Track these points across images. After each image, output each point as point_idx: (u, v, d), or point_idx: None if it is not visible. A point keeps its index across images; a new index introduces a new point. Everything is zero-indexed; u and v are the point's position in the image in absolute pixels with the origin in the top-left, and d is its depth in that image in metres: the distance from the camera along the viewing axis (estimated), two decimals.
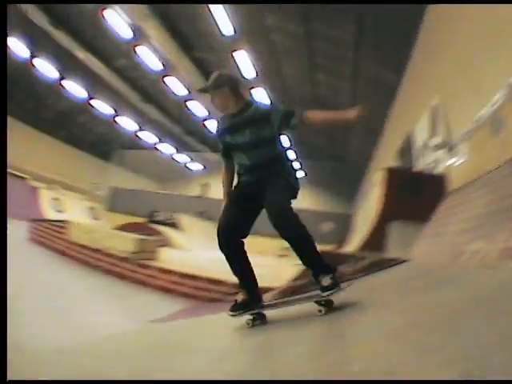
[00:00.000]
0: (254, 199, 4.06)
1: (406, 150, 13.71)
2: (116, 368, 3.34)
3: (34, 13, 19.92)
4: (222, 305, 7.47)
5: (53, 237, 13.19)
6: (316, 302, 3.52)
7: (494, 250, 3.20)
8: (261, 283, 4.41)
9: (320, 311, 3.46)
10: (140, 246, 10.62)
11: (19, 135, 32.38)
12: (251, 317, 4.19)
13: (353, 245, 11.97)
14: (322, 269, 3.67)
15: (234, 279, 7.69)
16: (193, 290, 8.56)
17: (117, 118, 34.69)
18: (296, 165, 39.70)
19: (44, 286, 8.12)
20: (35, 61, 25.34)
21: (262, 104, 4.30)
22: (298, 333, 3.31)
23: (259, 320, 4.31)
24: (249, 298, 4.38)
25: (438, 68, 11.00)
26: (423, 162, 11.23)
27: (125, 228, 19.49)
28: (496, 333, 1.86)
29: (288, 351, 2.83)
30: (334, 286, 3.46)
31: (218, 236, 4.04)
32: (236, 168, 4.28)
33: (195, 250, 19.96)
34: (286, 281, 7.56)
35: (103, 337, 5.21)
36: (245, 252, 4.39)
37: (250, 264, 4.48)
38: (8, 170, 28.99)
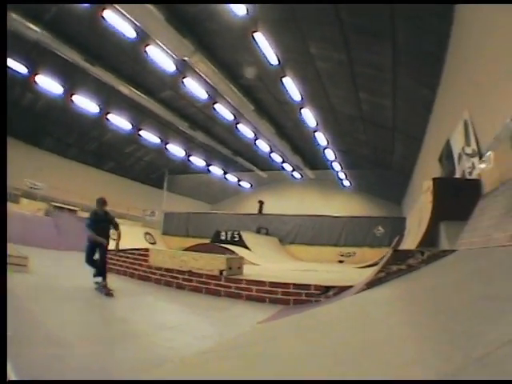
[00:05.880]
0: None
1: (446, 156, 14.93)
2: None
3: (67, 52, 21.29)
4: (311, 304, 9.02)
5: (130, 264, 14.18)
6: None
7: (506, 237, 5.07)
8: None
9: None
10: (229, 264, 11.49)
11: (62, 169, 34.39)
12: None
13: (408, 242, 13.49)
14: None
15: (318, 282, 9.56)
16: (283, 296, 9.74)
17: (167, 146, 36.91)
18: (341, 175, 41.20)
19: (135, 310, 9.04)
20: (74, 97, 27.00)
21: None
22: None
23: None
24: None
25: (467, 83, 12.21)
26: (462, 167, 12.54)
27: (195, 249, 20.72)
28: None
29: None
30: None
31: None
32: None
33: (263, 263, 20.77)
34: (354, 280, 9.13)
35: (225, 341, 5.99)
36: None
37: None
38: (55, 204, 30.90)
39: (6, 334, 3.64)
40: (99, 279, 11.14)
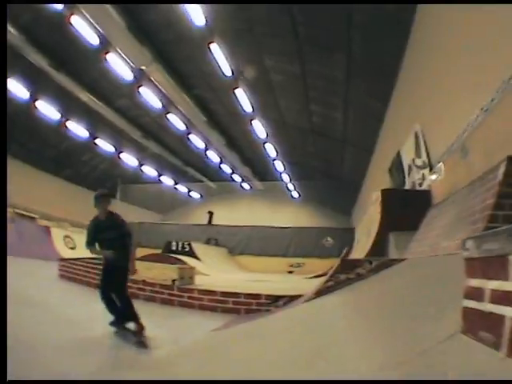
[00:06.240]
0: None
1: (396, 167, 15.20)
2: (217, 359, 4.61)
3: (34, 56, 20.43)
4: (261, 313, 9.08)
5: (87, 273, 13.73)
6: None
7: (454, 245, 5.25)
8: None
9: None
10: (181, 274, 11.41)
11: (24, 176, 33.30)
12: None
13: (357, 253, 13.68)
14: None
15: (268, 292, 9.61)
16: (235, 305, 9.65)
17: (120, 155, 36.03)
18: (290, 186, 41.30)
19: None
20: (38, 103, 25.88)
21: None
22: None
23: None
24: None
25: (419, 96, 12.50)
26: (412, 178, 12.79)
27: (146, 259, 20.53)
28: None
29: None
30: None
31: None
32: None
33: (213, 274, 20.63)
34: (304, 290, 9.19)
35: (180, 348, 6.22)
36: None
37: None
38: (17, 211, 29.97)
39: (5, 334, 3.63)
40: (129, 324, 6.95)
